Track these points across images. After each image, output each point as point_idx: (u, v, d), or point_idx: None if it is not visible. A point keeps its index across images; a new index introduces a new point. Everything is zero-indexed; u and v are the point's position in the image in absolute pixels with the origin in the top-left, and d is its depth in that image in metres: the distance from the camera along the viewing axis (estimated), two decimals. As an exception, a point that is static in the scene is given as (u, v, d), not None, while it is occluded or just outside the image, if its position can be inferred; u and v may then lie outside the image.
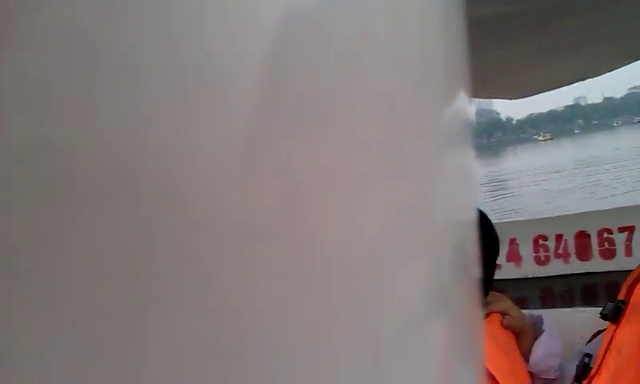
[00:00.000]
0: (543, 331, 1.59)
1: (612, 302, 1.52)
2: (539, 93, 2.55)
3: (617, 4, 1.91)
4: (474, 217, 0.30)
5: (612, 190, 18.16)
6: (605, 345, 1.48)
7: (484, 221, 1.51)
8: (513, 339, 1.52)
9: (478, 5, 1.60)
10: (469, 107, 0.31)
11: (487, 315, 1.47)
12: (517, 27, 1.91)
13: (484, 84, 2.44)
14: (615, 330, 1.48)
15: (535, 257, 2.37)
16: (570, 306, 1.52)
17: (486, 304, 1.47)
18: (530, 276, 2.37)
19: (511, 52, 2.17)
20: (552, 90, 2.57)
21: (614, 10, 1.94)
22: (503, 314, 1.52)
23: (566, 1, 1.78)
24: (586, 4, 1.83)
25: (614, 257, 2.16)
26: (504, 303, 1.54)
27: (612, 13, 1.96)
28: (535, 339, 1.58)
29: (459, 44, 0.28)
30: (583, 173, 26.17)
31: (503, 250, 2.33)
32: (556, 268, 2.31)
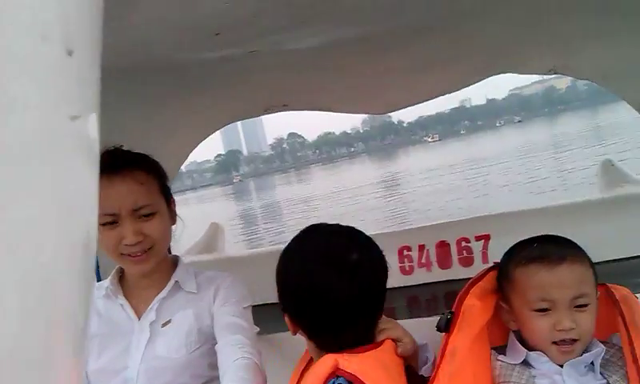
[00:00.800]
0: (427, 360, 1.65)
1: (443, 314, 1.60)
2: (405, 107, 2.63)
3: (475, 22, 2.00)
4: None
5: (496, 188, 19.23)
6: (440, 352, 1.55)
7: (373, 247, 1.52)
8: (402, 366, 1.53)
9: (342, 26, 1.62)
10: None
11: (381, 343, 1.48)
12: (382, 47, 1.96)
13: (350, 101, 2.48)
14: (448, 338, 1.57)
15: (400, 267, 2.43)
16: (435, 313, 1.59)
17: (379, 331, 1.51)
18: (397, 286, 2.44)
19: (379, 69, 2.22)
20: (417, 103, 2.65)
21: (473, 27, 2.03)
22: (397, 341, 1.53)
23: (427, 19, 1.84)
24: (446, 23, 1.90)
25: (472, 264, 2.28)
26: (398, 330, 1.56)
27: (470, 31, 2.04)
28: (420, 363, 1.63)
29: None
30: (470, 171, 27.52)
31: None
32: (420, 277, 2.39)
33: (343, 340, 1.43)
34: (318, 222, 1.61)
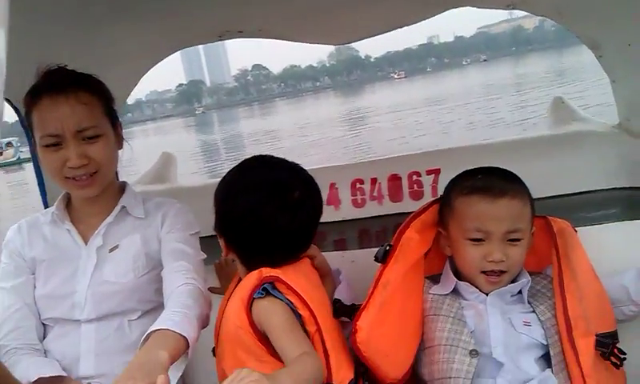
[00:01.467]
0: (340, 282, 1.78)
1: (382, 245, 1.69)
2: (362, 39, 2.60)
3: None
4: None
5: (458, 125, 19.40)
6: (373, 282, 1.65)
7: (313, 185, 1.62)
8: (319, 280, 1.69)
9: None
10: None
11: (298, 259, 1.61)
12: None
13: (304, 29, 2.43)
14: (383, 270, 1.66)
15: (353, 200, 2.46)
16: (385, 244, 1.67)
17: None
18: (349, 218, 2.48)
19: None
20: (374, 35, 2.62)
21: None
22: (312, 257, 1.69)
23: None
24: None
25: (422, 198, 2.32)
26: (313, 250, 1.71)
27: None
28: (334, 287, 1.68)
29: None
30: (433, 109, 27.63)
31: (324, 193, 2.38)
32: (371, 210, 2.43)
33: (273, 264, 1.52)
34: (262, 154, 1.64)
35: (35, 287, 1.80)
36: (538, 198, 2.13)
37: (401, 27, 2.57)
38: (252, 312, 1.45)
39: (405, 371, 1.62)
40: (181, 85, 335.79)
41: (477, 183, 1.66)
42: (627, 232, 1.83)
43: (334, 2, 2.09)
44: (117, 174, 1.98)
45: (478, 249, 1.62)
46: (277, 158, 1.64)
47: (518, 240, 1.61)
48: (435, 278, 1.75)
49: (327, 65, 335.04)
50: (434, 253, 1.80)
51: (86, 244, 1.81)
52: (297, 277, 1.52)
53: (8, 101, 2.10)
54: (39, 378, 1.60)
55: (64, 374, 1.68)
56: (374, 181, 2.46)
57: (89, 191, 1.78)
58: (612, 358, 1.54)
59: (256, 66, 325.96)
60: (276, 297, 1.45)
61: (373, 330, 1.57)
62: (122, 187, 1.92)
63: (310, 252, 1.68)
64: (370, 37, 2.61)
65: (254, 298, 1.45)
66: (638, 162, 2.20)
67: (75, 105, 1.69)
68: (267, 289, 1.45)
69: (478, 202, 1.62)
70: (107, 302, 1.75)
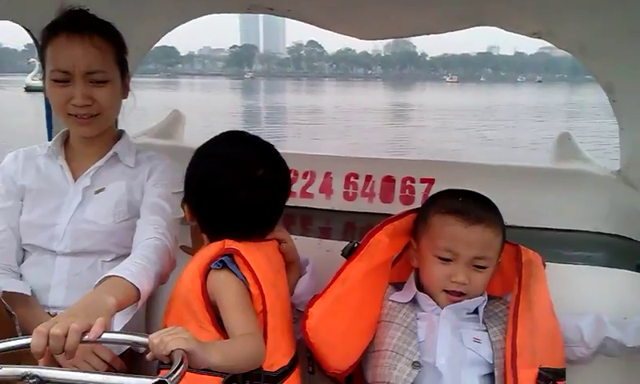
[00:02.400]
0: (306, 272, 1.79)
1: (351, 242, 1.73)
2: (385, 38, 2.61)
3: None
4: None
5: (498, 140, 19.15)
6: (334, 276, 1.69)
7: (282, 167, 1.65)
8: (283, 264, 1.72)
9: None
10: None
11: (266, 239, 1.65)
12: None
13: (333, 17, 2.45)
14: (345, 265, 1.70)
15: (345, 192, 2.50)
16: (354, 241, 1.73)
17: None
18: (337, 209, 2.52)
19: None
20: (397, 37, 2.63)
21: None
22: (281, 241, 1.70)
23: None
24: None
25: (411, 203, 2.34)
26: (284, 234, 1.74)
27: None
28: (298, 276, 1.77)
29: None
30: (478, 119, 27.29)
31: (318, 181, 2.42)
32: (360, 205, 2.47)
33: (237, 238, 1.56)
34: (241, 130, 1.68)
35: (21, 213, 1.89)
36: (523, 227, 2.16)
37: (427, 34, 2.57)
38: (207, 281, 1.50)
39: (348, 366, 1.66)
40: (234, 46, 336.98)
41: (455, 205, 1.70)
42: (599, 277, 1.84)
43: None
44: (116, 121, 2.05)
45: (444, 268, 1.66)
46: (251, 135, 1.69)
47: (483, 267, 1.65)
48: (399, 286, 1.79)
49: (382, 55, 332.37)
50: (403, 261, 1.84)
51: (75, 182, 1.89)
52: (257, 255, 1.56)
53: (29, 31, 2.19)
54: (5, 293, 1.70)
55: (29, 293, 1.77)
56: (368, 178, 2.49)
57: (87, 130, 1.85)
58: None
59: (311, 43, 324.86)
60: (232, 271, 1.49)
61: (323, 319, 1.62)
62: (119, 135, 1.99)
63: (279, 235, 1.71)
64: (397, 37, 2.62)
65: (212, 268, 1.50)
66: (628, 211, 2.20)
67: (89, 47, 1.77)
68: (225, 261, 1.50)
69: (454, 224, 1.66)
70: (84, 239, 1.83)
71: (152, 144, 2.37)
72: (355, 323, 1.68)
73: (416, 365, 1.57)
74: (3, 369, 1.11)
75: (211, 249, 1.54)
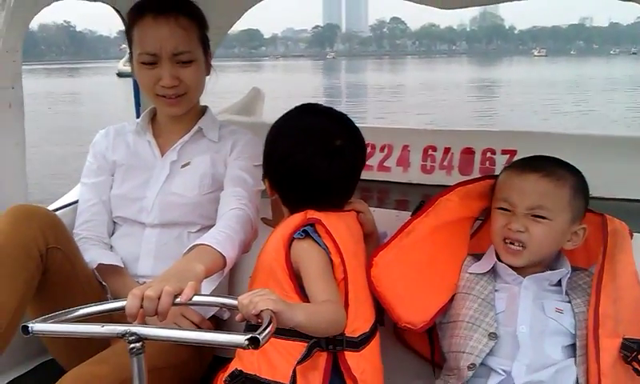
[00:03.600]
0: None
1: (422, 201, 1.81)
2: (464, 7, 2.54)
3: None
4: None
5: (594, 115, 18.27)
6: (398, 230, 1.75)
7: (358, 136, 1.67)
8: (362, 235, 1.74)
9: None
10: None
11: (348, 210, 1.70)
12: None
13: None
14: (411, 220, 1.76)
15: (422, 165, 2.48)
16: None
17: (349, 202, 1.72)
18: (415, 182, 2.51)
19: None
20: (475, 5, 2.56)
21: None
22: (359, 212, 1.74)
23: None
24: None
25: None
26: (363, 206, 1.77)
27: None
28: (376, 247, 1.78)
29: None
30: (572, 93, 26.09)
31: (396, 154, 2.42)
32: (439, 178, 2.44)
33: (317, 208, 1.59)
34: (314, 103, 1.71)
35: (112, 187, 2.01)
36: (610, 199, 2.08)
37: (512, 0, 2.49)
38: (291, 250, 1.54)
39: (421, 322, 1.67)
40: (317, 26, 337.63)
41: (522, 162, 1.73)
42: None
43: None
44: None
45: (502, 218, 1.67)
46: (325, 107, 1.70)
47: (542, 218, 1.61)
48: (479, 256, 1.78)
49: (467, 29, 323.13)
50: (483, 232, 1.84)
51: (162, 156, 1.99)
52: (338, 224, 1.59)
53: (118, 12, 2.30)
54: (100, 265, 1.83)
55: (122, 265, 1.89)
56: (447, 150, 2.45)
57: (175, 110, 1.94)
58: (634, 363, 1.51)
59: (394, 19, 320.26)
60: (315, 240, 1.53)
61: (387, 268, 1.67)
62: (203, 111, 2.06)
63: (358, 207, 1.74)
64: (479, 4, 2.54)
65: (295, 238, 1.54)
66: None
67: (175, 28, 1.83)
68: (307, 231, 1.54)
69: (511, 176, 1.68)
70: (172, 211, 1.93)
71: (233, 120, 2.44)
72: (425, 278, 1.70)
73: (492, 336, 1.56)
74: (105, 327, 1.16)
75: (294, 219, 1.58)
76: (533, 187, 1.63)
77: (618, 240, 1.67)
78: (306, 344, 1.48)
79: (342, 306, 1.50)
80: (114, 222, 2.02)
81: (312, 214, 1.57)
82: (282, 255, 1.53)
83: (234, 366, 1.55)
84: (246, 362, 1.52)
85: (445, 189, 1.82)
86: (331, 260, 1.54)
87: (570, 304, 1.61)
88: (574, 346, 1.56)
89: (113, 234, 2.00)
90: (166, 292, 1.29)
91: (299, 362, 1.46)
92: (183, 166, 1.97)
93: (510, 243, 1.64)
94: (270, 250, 1.57)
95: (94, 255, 1.85)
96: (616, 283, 1.59)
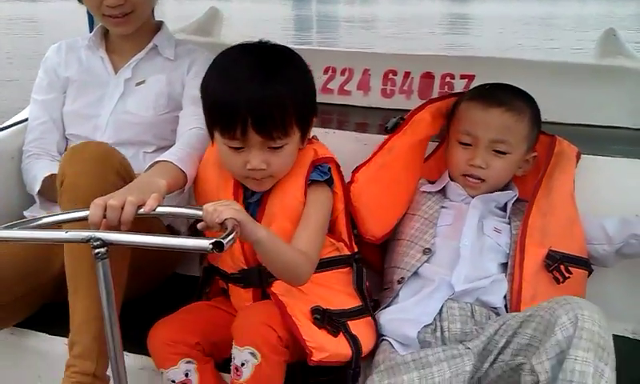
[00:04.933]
0: None
1: (394, 117, 1.82)
2: None
3: None
4: None
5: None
6: (379, 146, 1.78)
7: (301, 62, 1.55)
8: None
9: None
10: None
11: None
12: None
13: None
14: (391, 137, 1.78)
15: (382, 89, 2.48)
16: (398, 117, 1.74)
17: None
18: (375, 106, 2.51)
19: None
20: None
21: None
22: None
23: None
24: None
25: (448, 99, 2.33)
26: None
27: None
28: None
29: None
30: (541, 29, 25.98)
31: (356, 78, 2.41)
32: (398, 102, 2.45)
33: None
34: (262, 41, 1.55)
35: (64, 104, 1.96)
36: (563, 123, 2.13)
37: None
38: (308, 189, 1.54)
39: (382, 234, 1.73)
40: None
41: (481, 92, 1.74)
42: (636, 170, 1.83)
43: None
44: (152, 11, 2.06)
45: (464, 152, 1.70)
46: (263, 45, 1.53)
47: (503, 153, 1.65)
48: (431, 182, 1.83)
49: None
50: (433, 161, 1.88)
51: (116, 74, 1.94)
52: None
53: None
54: (48, 179, 1.79)
55: None
56: (407, 74, 2.45)
57: (123, 29, 1.88)
58: (555, 272, 1.59)
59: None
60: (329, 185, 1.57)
61: (367, 184, 1.70)
62: (158, 26, 2.00)
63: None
64: None
65: (314, 181, 1.54)
66: None
67: None
68: (327, 174, 1.56)
69: (474, 108, 1.69)
70: (126, 130, 1.89)
71: (190, 40, 2.38)
72: (392, 193, 1.75)
73: (427, 251, 1.64)
74: (69, 233, 1.18)
75: (307, 155, 1.56)
76: (497, 122, 1.65)
77: (561, 161, 1.73)
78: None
79: (311, 267, 1.48)
80: (67, 139, 1.97)
81: (326, 153, 1.59)
82: (303, 196, 1.53)
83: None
84: None
85: (403, 112, 1.84)
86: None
87: (509, 226, 1.68)
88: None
89: (66, 150, 1.96)
90: (130, 202, 1.28)
91: None
92: (138, 85, 1.92)
93: (470, 177, 1.68)
94: (292, 191, 1.54)
95: (42, 167, 1.84)
96: (549, 199, 1.67)
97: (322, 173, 1.55)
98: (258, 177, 1.48)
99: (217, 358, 1.55)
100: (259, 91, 1.39)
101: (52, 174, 1.76)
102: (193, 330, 1.51)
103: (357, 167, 1.73)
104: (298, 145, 1.52)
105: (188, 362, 1.48)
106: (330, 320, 1.47)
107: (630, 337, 1.81)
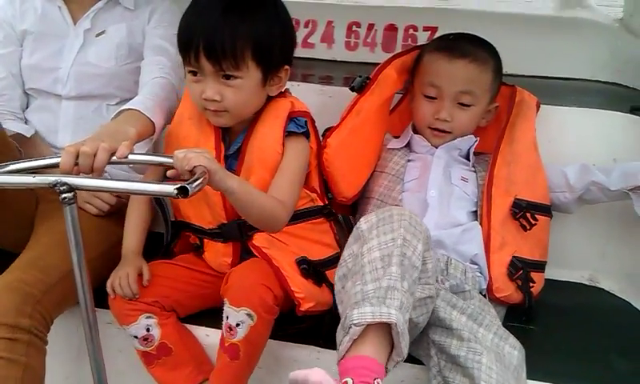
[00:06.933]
0: None
1: (360, 76, 1.75)
2: None
3: None
4: None
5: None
6: (348, 109, 1.74)
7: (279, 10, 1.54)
8: None
9: None
10: None
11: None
12: None
13: None
14: (358, 98, 1.74)
15: (346, 42, 2.47)
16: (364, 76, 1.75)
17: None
18: (339, 59, 2.50)
19: None
20: None
21: None
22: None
23: None
24: None
25: (413, 52, 2.34)
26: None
27: None
28: None
29: None
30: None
31: (320, 30, 2.39)
32: (362, 55, 2.45)
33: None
34: None
35: (22, 58, 1.90)
36: (522, 75, 2.17)
37: None
38: (285, 140, 1.54)
39: (353, 194, 1.75)
40: None
41: (445, 43, 1.75)
42: (592, 118, 1.89)
43: None
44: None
45: (429, 105, 1.72)
46: None
47: (467, 105, 1.68)
48: (395, 137, 1.86)
49: None
50: (397, 114, 1.89)
51: (75, 24, 1.88)
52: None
53: None
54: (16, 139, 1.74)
55: (30, 134, 1.82)
56: (370, 26, 2.45)
57: None
58: (521, 219, 1.65)
59: None
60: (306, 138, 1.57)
61: (339, 149, 1.69)
62: None
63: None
64: None
65: (292, 132, 1.54)
66: (628, 59, 2.19)
67: None
68: (303, 126, 1.56)
69: (438, 60, 1.71)
70: (88, 83, 1.86)
71: None
72: (363, 154, 1.76)
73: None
74: (36, 177, 1.17)
75: (283, 106, 1.56)
76: (462, 73, 1.67)
77: (522, 110, 1.77)
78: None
79: (287, 215, 1.49)
80: (28, 95, 1.92)
81: (300, 107, 1.58)
82: (282, 147, 1.53)
83: None
84: None
85: (367, 65, 1.84)
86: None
87: (475, 174, 1.72)
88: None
89: (27, 107, 1.91)
90: (103, 148, 1.26)
91: None
92: (98, 35, 1.87)
93: (435, 130, 1.71)
94: (270, 142, 1.54)
95: (7, 127, 1.78)
96: (512, 147, 1.71)
97: (299, 125, 1.55)
98: (212, 108, 1.49)
99: (181, 314, 1.58)
100: (216, 20, 1.43)
101: (20, 135, 1.76)
102: (150, 290, 1.53)
103: (327, 132, 1.72)
104: (260, 87, 1.51)
105: (148, 317, 1.51)
106: (314, 270, 1.52)
107: (587, 284, 1.89)
